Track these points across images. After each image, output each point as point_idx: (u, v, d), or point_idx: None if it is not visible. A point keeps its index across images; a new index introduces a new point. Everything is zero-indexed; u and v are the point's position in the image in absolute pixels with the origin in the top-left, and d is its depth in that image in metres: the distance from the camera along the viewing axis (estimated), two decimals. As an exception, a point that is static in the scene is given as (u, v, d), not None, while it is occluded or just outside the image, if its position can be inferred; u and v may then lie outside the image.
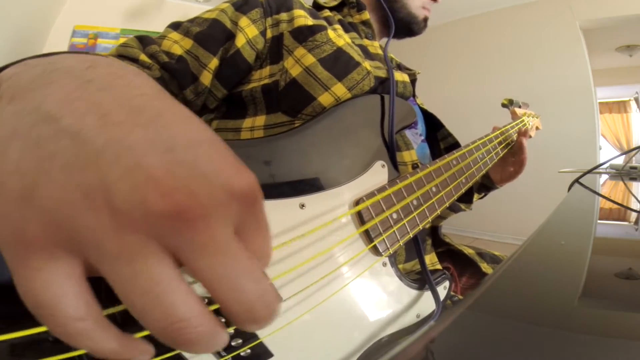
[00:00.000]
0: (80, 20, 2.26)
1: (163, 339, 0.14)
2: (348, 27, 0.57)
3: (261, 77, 0.48)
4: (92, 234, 0.13)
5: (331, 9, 0.61)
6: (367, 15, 0.60)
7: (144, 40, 0.45)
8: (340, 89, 0.45)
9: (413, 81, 0.62)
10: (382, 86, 0.49)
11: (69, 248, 0.13)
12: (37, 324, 0.16)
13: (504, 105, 0.80)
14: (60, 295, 0.13)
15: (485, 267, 0.61)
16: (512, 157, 0.67)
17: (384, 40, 0.68)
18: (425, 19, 0.64)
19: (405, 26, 0.63)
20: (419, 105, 0.63)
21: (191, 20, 0.48)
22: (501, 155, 0.62)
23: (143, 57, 0.42)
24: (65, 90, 0.15)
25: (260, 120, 0.48)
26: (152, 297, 0.13)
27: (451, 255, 0.65)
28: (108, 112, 0.14)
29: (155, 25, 2.36)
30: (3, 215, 0.13)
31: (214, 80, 0.46)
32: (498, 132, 0.63)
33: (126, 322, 0.16)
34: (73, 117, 0.14)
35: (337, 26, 0.54)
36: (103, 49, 2.26)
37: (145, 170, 0.13)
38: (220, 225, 0.14)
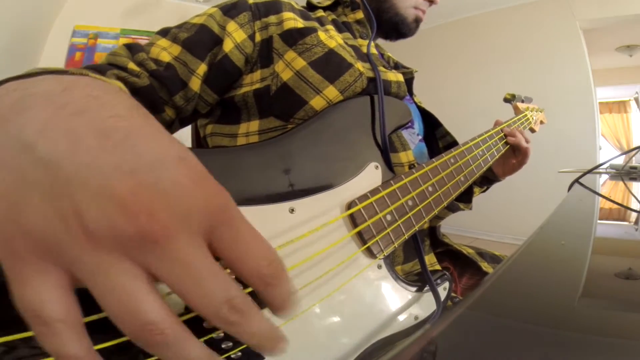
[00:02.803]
0: (80, 20, 2.26)
1: (136, 340, 0.15)
2: (342, 27, 0.57)
3: (252, 81, 0.48)
4: (71, 253, 0.15)
5: (325, 8, 0.60)
6: (361, 14, 0.60)
7: (132, 48, 0.44)
8: (332, 92, 0.45)
9: (410, 80, 0.61)
10: (375, 87, 0.48)
11: (55, 262, 0.15)
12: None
13: (506, 100, 0.80)
14: (46, 300, 0.15)
15: (485, 266, 0.61)
16: (513, 152, 0.65)
17: (379, 40, 0.68)
18: (417, 20, 0.62)
19: (393, 27, 0.62)
20: (416, 104, 0.63)
21: (179, 26, 0.48)
22: (503, 151, 0.61)
23: (131, 65, 0.42)
24: (41, 117, 0.16)
25: (254, 125, 0.48)
26: (126, 308, 0.15)
27: (450, 256, 0.65)
28: (80, 137, 0.16)
29: (155, 25, 2.35)
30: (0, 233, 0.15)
31: (203, 85, 0.46)
32: (499, 127, 0.62)
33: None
34: (47, 145, 0.15)
35: (330, 27, 0.54)
36: (103, 49, 2.26)
37: (110, 193, 0.15)
38: (184, 240, 0.15)
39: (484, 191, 0.73)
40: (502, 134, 0.62)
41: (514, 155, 0.65)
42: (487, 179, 0.70)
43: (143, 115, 0.18)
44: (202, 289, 0.16)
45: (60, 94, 0.17)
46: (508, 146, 0.63)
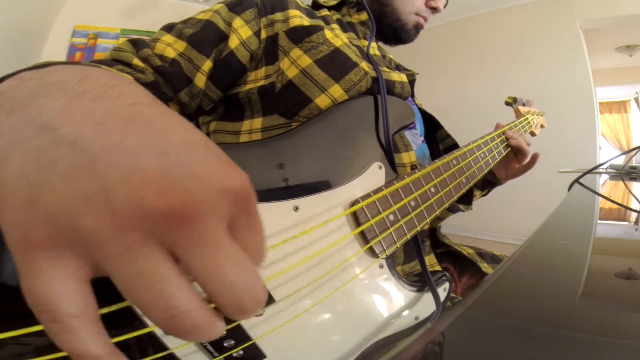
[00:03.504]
0: (80, 20, 2.26)
1: (166, 329, 0.15)
2: (346, 27, 0.57)
3: (257, 78, 0.48)
4: (94, 237, 0.14)
5: (330, 8, 0.60)
6: (366, 15, 0.60)
7: (137, 43, 0.44)
8: (337, 91, 0.45)
9: (412, 82, 0.61)
10: (379, 87, 0.49)
11: (74, 250, 0.14)
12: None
13: (507, 104, 0.80)
14: (58, 292, 0.14)
15: (485, 266, 0.61)
16: (515, 155, 0.65)
17: (380, 43, 0.68)
18: (417, 26, 0.62)
19: (393, 32, 0.62)
20: (417, 106, 0.63)
21: (184, 22, 0.47)
22: (504, 154, 0.61)
23: (136, 61, 0.42)
24: (60, 102, 0.16)
25: (258, 122, 0.47)
26: (154, 293, 0.14)
27: (450, 256, 0.65)
28: (103, 120, 0.15)
29: (156, 25, 2.35)
30: (11, 220, 0.14)
31: (208, 82, 0.46)
32: (500, 130, 0.62)
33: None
34: (70, 127, 0.15)
35: (335, 26, 0.54)
36: (103, 49, 2.26)
37: (141, 173, 0.14)
38: (213, 222, 0.15)
39: (484, 195, 0.72)
40: (504, 137, 0.62)
41: (517, 159, 0.65)
42: (489, 182, 0.70)
43: (162, 105, 0.18)
44: (227, 276, 0.15)
45: (77, 83, 0.17)
46: (509, 149, 0.63)
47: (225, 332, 0.25)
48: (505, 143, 0.62)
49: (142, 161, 0.14)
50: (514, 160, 0.65)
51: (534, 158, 0.65)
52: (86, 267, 0.15)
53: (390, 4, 0.60)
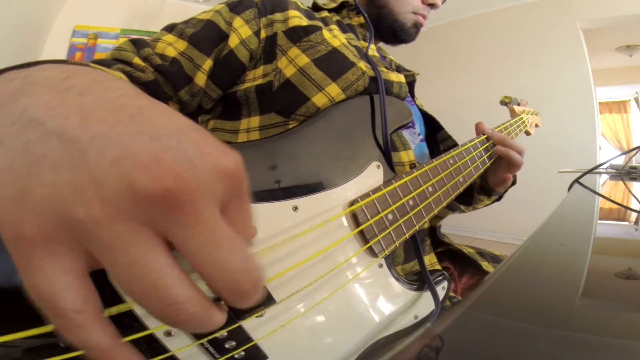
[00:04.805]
0: (80, 20, 2.26)
1: (162, 319, 0.15)
2: (346, 29, 0.57)
3: (255, 77, 0.48)
4: (86, 227, 0.14)
5: (330, 10, 0.61)
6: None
7: (138, 43, 0.45)
8: (334, 90, 0.45)
9: (412, 82, 0.61)
10: (377, 87, 0.48)
11: (68, 243, 0.14)
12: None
13: (502, 103, 0.80)
14: (60, 288, 0.14)
15: (486, 265, 0.61)
16: (505, 165, 0.58)
17: (381, 43, 0.68)
18: (416, 25, 0.62)
19: (392, 33, 0.62)
20: (418, 107, 0.63)
21: (186, 22, 0.48)
22: (495, 158, 0.59)
23: (137, 60, 0.42)
24: (46, 98, 0.15)
25: (255, 121, 0.48)
26: (148, 283, 0.14)
27: (451, 256, 0.65)
28: (90, 112, 0.15)
29: (155, 25, 2.36)
30: (2, 217, 0.14)
31: (208, 81, 0.46)
32: (496, 130, 0.62)
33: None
34: (57, 120, 0.14)
35: (334, 26, 0.54)
36: (103, 49, 2.26)
37: (131, 159, 0.14)
38: (207, 205, 0.15)
39: (497, 199, 0.66)
40: (490, 142, 0.57)
41: (507, 168, 0.58)
42: (484, 189, 0.64)
43: (150, 97, 0.18)
44: (223, 259, 0.15)
45: (63, 81, 0.17)
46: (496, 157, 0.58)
47: (226, 333, 0.25)
48: (491, 151, 0.57)
49: (132, 147, 0.14)
50: (503, 169, 0.58)
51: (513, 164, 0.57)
52: (82, 261, 0.15)
53: (386, 6, 0.60)
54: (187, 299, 0.14)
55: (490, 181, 0.61)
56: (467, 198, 0.65)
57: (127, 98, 0.16)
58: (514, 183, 0.63)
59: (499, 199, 0.67)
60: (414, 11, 0.61)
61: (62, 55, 2.21)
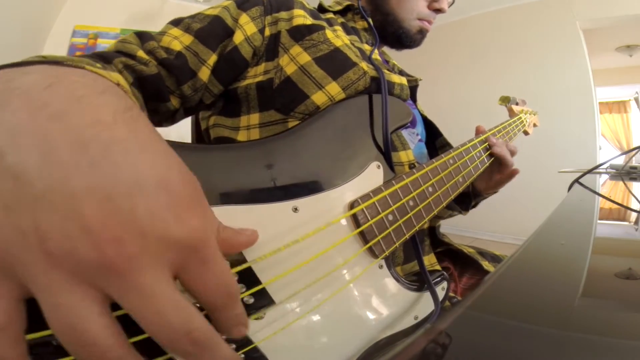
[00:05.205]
0: (80, 20, 2.26)
1: (78, 357, 0.15)
2: (350, 31, 0.57)
3: (256, 74, 0.48)
4: (24, 269, 0.14)
5: (335, 12, 0.61)
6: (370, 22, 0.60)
7: (143, 36, 0.44)
8: (334, 88, 0.45)
9: (414, 87, 0.62)
10: (378, 86, 0.48)
11: (6, 274, 0.15)
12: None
13: (501, 103, 0.80)
14: None
15: (486, 264, 0.61)
16: (497, 166, 0.59)
17: (385, 48, 0.68)
18: (421, 31, 0.63)
19: (397, 39, 0.62)
20: (420, 112, 0.63)
21: (192, 17, 0.48)
22: (492, 159, 0.60)
23: (140, 53, 0.42)
24: (17, 117, 0.15)
25: (255, 118, 0.48)
26: (68, 325, 0.15)
27: (451, 256, 0.65)
28: (54, 148, 0.15)
29: (155, 25, 2.36)
30: None
31: (211, 76, 0.46)
32: (495, 130, 0.62)
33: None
34: (18, 155, 0.14)
35: (338, 27, 0.54)
36: (103, 49, 2.25)
37: (79, 220, 0.14)
38: (149, 273, 0.15)
39: (473, 206, 0.67)
40: (498, 136, 0.59)
41: (498, 169, 0.59)
42: (467, 195, 0.64)
43: (129, 121, 0.17)
44: (162, 321, 0.15)
45: (44, 91, 0.16)
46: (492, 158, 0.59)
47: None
48: (489, 152, 0.57)
49: (83, 207, 0.14)
50: (497, 170, 0.60)
51: (513, 173, 0.60)
52: (17, 289, 0.15)
53: (391, 13, 0.61)
54: (106, 344, 0.15)
55: (482, 187, 0.62)
56: (464, 204, 0.65)
57: (99, 128, 0.16)
58: (480, 196, 0.65)
59: (474, 206, 0.68)
60: (419, 17, 0.61)
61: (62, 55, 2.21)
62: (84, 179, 0.14)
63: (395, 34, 0.61)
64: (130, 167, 0.15)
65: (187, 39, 0.45)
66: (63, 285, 0.14)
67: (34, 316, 0.16)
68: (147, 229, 0.15)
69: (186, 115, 0.50)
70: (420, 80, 0.63)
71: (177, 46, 0.44)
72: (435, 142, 0.65)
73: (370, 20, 0.59)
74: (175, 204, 0.16)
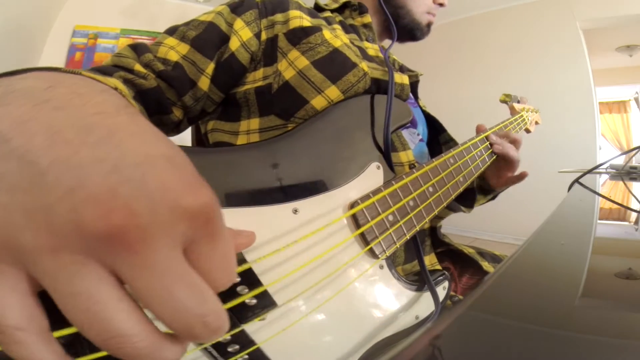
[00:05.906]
0: (80, 20, 2.26)
1: (107, 351, 0.14)
2: (349, 29, 0.57)
3: (255, 79, 0.48)
4: (30, 253, 0.13)
5: (332, 10, 0.61)
6: (368, 18, 0.60)
7: (138, 48, 0.44)
8: (333, 92, 0.45)
9: (414, 83, 0.61)
10: (378, 87, 0.48)
11: (12, 264, 0.14)
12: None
13: (502, 101, 0.80)
14: (3, 306, 0.14)
15: (486, 265, 0.61)
16: (504, 163, 0.60)
17: (386, 42, 0.68)
18: (429, 24, 0.65)
19: (409, 32, 0.63)
20: (421, 109, 0.63)
21: (187, 24, 0.47)
22: (494, 157, 0.60)
23: (138, 66, 0.41)
24: (20, 110, 0.15)
25: (255, 123, 0.47)
26: (90, 314, 0.14)
27: (451, 256, 0.65)
28: (59, 130, 0.14)
29: (155, 25, 2.36)
30: None
31: (211, 84, 0.46)
32: (496, 128, 0.62)
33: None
34: (23, 138, 0.14)
35: (337, 26, 0.54)
36: (103, 49, 2.25)
37: (86, 190, 0.13)
38: (161, 247, 0.14)
39: (491, 199, 0.68)
40: (488, 143, 0.58)
41: (506, 167, 0.60)
42: (483, 189, 0.65)
43: (131, 114, 0.17)
44: (175, 302, 0.14)
45: (44, 91, 0.16)
46: (494, 156, 0.60)
47: (229, 337, 0.25)
48: (490, 150, 0.58)
49: (89, 177, 0.13)
50: (505, 168, 0.60)
51: (522, 175, 0.61)
52: (27, 281, 0.14)
53: (404, 6, 0.62)
54: (133, 333, 0.14)
55: (493, 182, 0.62)
56: (469, 201, 0.65)
57: (103, 116, 0.16)
58: (494, 191, 0.65)
59: (493, 198, 0.68)
60: (428, 11, 0.63)
61: (62, 55, 2.21)
62: (89, 153, 0.14)
63: (408, 27, 0.63)
64: (137, 143, 0.15)
65: (184, 48, 0.44)
66: (73, 269, 0.13)
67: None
68: (158, 199, 0.14)
69: (190, 125, 0.50)
70: (421, 75, 0.63)
71: (174, 56, 0.44)
72: (439, 137, 0.64)
73: (388, 13, 0.60)
74: (185, 176, 0.15)
